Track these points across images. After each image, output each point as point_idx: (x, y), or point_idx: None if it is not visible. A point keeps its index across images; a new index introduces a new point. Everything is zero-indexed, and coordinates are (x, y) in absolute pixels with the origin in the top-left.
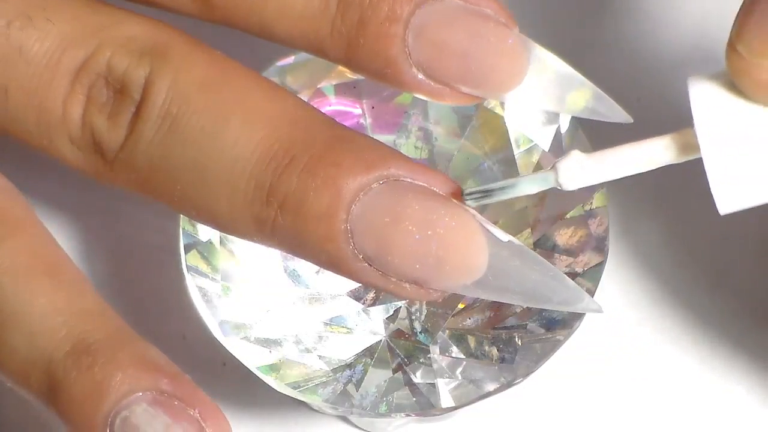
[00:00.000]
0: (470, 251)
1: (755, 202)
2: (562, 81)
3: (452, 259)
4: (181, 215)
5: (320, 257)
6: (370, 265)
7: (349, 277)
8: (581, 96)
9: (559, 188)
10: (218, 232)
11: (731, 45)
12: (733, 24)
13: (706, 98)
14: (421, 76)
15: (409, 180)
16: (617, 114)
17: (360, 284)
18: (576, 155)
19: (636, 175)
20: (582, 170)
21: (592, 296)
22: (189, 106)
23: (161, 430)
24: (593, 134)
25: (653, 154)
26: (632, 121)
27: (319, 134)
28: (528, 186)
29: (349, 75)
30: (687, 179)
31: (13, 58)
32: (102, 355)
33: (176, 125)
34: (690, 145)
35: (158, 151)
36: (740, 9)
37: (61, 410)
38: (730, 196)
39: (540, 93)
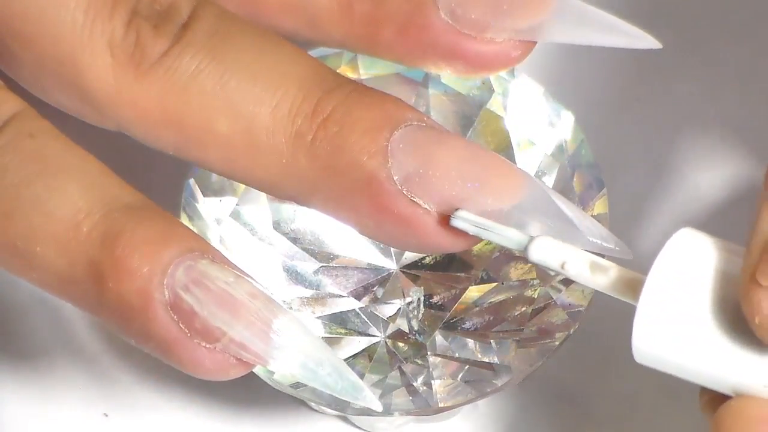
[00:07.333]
0: (512, 175)
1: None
2: (589, 13)
3: (494, 179)
4: (182, 214)
5: (354, 176)
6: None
7: (374, 210)
8: (608, 25)
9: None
10: (218, 231)
11: (754, 280)
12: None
13: (680, 253)
14: (449, 20)
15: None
16: (646, 40)
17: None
18: (549, 242)
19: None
20: (546, 254)
21: (590, 300)
22: (238, 29)
23: (231, 278)
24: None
25: (602, 278)
26: (661, 47)
27: (360, 83)
28: (504, 240)
29: (350, 75)
30: (687, 181)
31: None
32: (162, 213)
33: (228, 37)
34: (631, 286)
35: (208, 56)
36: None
37: (116, 258)
38: (647, 350)
39: (568, 25)
